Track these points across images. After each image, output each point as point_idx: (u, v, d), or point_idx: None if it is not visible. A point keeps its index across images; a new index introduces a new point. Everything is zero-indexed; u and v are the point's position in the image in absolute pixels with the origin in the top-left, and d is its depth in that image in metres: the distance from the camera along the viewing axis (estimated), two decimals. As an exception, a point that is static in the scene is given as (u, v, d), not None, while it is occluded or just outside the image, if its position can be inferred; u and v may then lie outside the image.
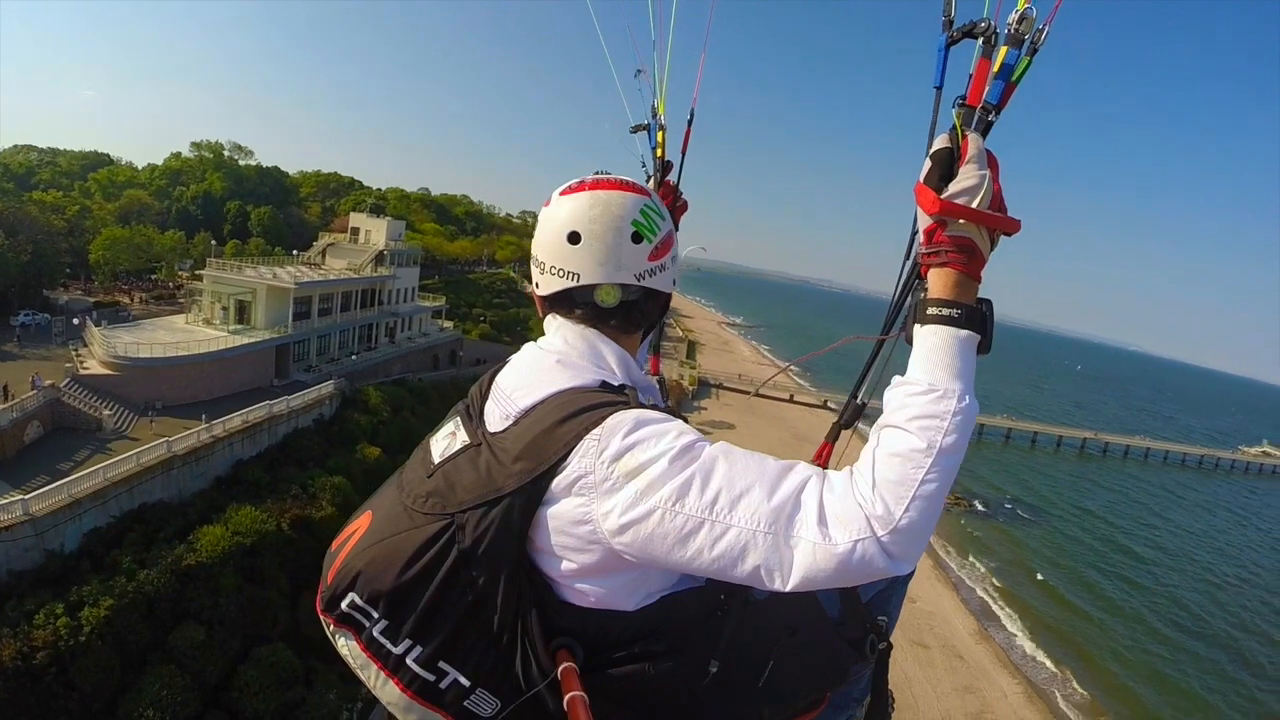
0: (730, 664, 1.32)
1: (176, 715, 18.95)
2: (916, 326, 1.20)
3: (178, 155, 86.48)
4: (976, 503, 54.78)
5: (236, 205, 72.29)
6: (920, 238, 1.25)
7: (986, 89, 1.20)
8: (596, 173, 1.47)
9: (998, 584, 42.32)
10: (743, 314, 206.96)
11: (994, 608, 39.60)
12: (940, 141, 1.21)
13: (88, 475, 23.18)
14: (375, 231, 50.85)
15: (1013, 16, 1.17)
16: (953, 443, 1.07)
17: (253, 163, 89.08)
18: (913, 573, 1.26)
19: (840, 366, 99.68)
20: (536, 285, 1.46)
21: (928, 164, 1.21)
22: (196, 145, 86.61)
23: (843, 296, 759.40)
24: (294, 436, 30.60)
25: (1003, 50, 1.18)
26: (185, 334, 36.95)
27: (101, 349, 32.30)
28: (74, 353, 33.68)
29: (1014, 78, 1.19)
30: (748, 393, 79.62)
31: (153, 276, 54.53)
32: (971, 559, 45.08)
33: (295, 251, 53.71)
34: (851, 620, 1.52)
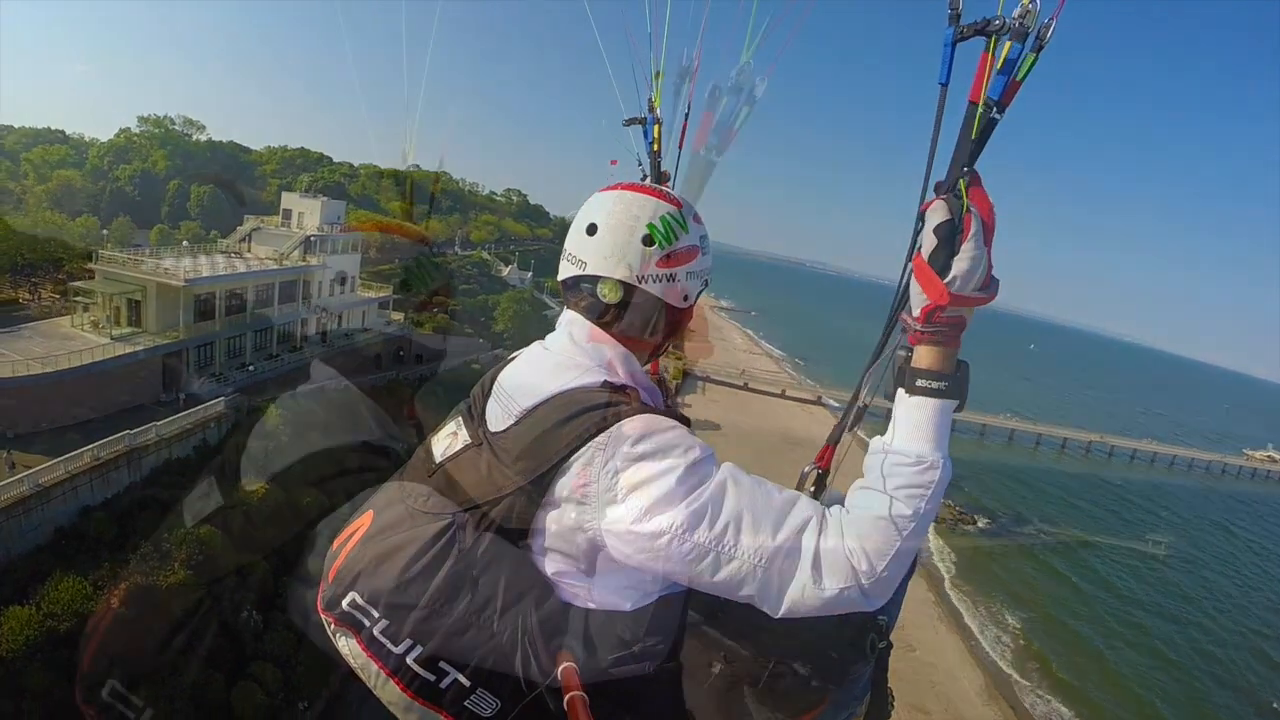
0: (731, 665, 1.36)
1: None
2: (902, 393, 1.25)
3: (126, 131, 79.95)
4: (982, 520, 49.45)
5: (177, 185, 66.19)
6: (915, 313, 1.24)
7: (986, 85, 1.18)
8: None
9: (1010, 625, 37.11)
10: (733, 296, 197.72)
11: (1006, 656, 34.43)
12: (940, 213, 1.20)
13: None
14: (308, 214, 44.50)
15: (1017, 10, 1.15)
16: (932, 508, 1.19)
17: (204, 138, 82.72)
18: (914, 571, 1.31)
19: (835, 360, 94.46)
20: (559, 273, 1.50)
21: (931, 240, 1.20)
22: (143, 120, 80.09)
23: (836, 279, 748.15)
24: (164, 471, 25.10)
25: (1006, 45, 1.16)
26: (63, 342, 31.27)
27: (-57, 364, 26.69)
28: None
29: (1019, 76, 1.16)
30: (737, 386, 74.64)
31: (65, 268, 48.54)
32: (981, 595, 39.55)
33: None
34: (852, 620, 1.47)
